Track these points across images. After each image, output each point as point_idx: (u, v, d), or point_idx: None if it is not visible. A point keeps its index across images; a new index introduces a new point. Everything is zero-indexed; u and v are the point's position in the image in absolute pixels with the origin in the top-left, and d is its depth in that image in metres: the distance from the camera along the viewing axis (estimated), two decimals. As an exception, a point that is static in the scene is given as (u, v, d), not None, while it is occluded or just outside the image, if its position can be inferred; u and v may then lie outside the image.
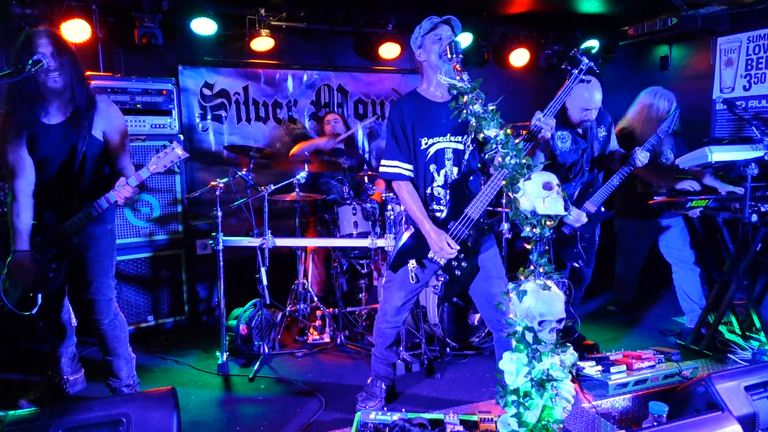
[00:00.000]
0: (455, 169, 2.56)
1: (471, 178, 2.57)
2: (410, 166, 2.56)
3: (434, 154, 2.55)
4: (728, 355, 3.45)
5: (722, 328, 3.70)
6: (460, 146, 2.55)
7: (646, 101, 3.69)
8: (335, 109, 5.01)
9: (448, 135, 2.54)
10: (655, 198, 3.72)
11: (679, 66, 4.88)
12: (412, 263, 2.58)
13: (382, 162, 2.59)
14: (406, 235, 2.62)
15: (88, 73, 2.81)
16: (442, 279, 2.58)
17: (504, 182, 2.04)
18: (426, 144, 2.54)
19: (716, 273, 3.70)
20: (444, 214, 2.56)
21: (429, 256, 2.56)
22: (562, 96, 2.68)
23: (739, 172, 3.25)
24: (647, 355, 3.11)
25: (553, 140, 3.33)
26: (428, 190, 2.58)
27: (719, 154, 3.13)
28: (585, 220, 3.24)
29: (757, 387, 2.62)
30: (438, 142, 2.54)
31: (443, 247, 2.47)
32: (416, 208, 2.53)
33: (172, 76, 4.28)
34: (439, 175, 2.57)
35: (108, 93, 3.73)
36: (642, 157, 3.19)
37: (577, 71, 2.67)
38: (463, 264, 2.53)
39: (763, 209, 3.25)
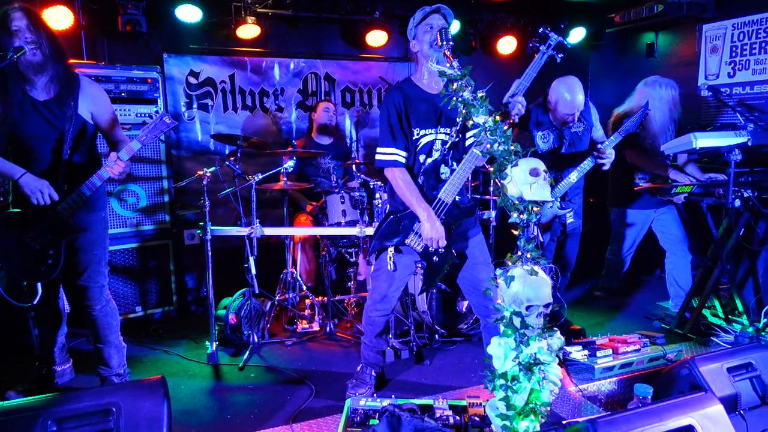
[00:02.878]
0: (437, 157, 2.59)
1: (446, 165, 2.58)
2: (405, 153, 2.56)
3: (425, 145, 2.56)
4: (711, 338, 3.52)
5: (706, 312, 3.76)
6: (448, 138, 2.58)
7: (647, 90, 3.70)
8: (323, 98, 4.98)
9: (439, 127, 2.56)
10: (639, 185, 3.76)
11: (665, 53, 4.91)
12: (390, 250, 2.59)
13: (378, 150, 2.56)
14: (384, 223, 2.63)
15: (71, 61, 2.77)
16: (421, 266, 2.59)
17: (491, 168, 2.05)
18: (418, 134, 2.55)
19: (700, 258, 3.76)
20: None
21: (407, 242, 2.57)
22: (530, 72, 2.59)
23: (723, 159, 3.29)
24: (632, 340, 3.16)
25: (535, 139, 3.34)
26: (418, 180, 2.59)
27: (704, 140, 3.17)
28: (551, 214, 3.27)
29: (739, 368, 2.68)
30: (429, 133, 2.56)
31: (440, 237, 2.47)
32: (412, 194, 2.52)
33: (157, 64, 4.22)
34: (425, 163, 2.58)
35: (91, 79, 3.67)
36: (607, 152, 3.24)
37: (545, 47, 2.63)
38: (441, 251, 2.54)
39: (746, 194, 3.30)
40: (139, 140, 2.53)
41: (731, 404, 2.56)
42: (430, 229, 2.47)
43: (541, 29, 2.67)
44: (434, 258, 2.55)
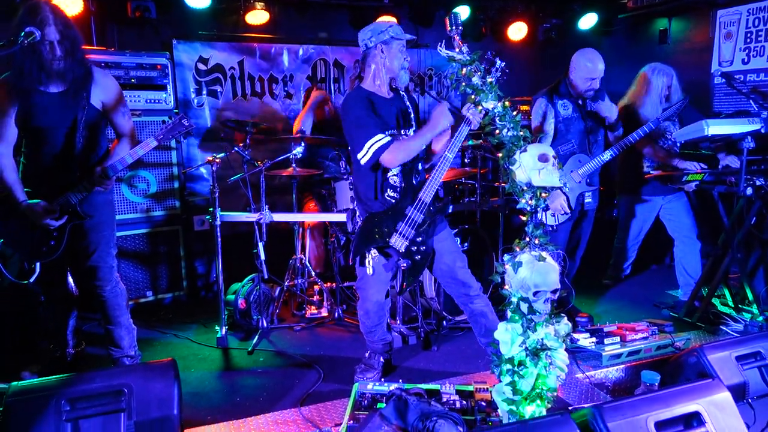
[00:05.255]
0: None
1: (417, 165, 2.68)
2: (387, 132, 2.58)
3: None
4: (720, 326, 3.50)
5: (715, 301, 3.74)
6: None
7: (646, 78, 3.68)
8: (331, 85, 4.97)
9: (401, 129, 2.66)
10: (651, 173, 3.73)
11: (679, 39, 4.83)
12: (373, 252, 2.59)
13: (366, 145, 2.51)
14: (362, 227, 2.64)
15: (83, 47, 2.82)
16: (405, 265, 2.60)
17: (500, 155, 2.05)
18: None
19: (711, 247, 3.73)
20: (398, 199, 2.61)
21: (390, 242, 2.57)
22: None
23: (736, 146, 3.26)
24: (641, 327, 3.16)
25: (555, 107, 3.36)
26: (385, 179, 2.63)
27: (716, 128, 3.13)
28: (561, 210, 3.30)
29: (748, 357, 2.66)
30: (394, 134, 2.61)
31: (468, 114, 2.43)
32: (411, 140, 2.56)
33: (166, 50, 4.23)
34: None
35: (102, 67, 3.67)
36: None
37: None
38: (422, 248, 2.59)
39: (758, 183, 3.26)
40: (156, 138, 2.67)
41: (739, 392, 2.55)
42: (445, 116, 2.48)
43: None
44: (417, 257, 2.59)
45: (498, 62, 2.47)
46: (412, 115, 2.75)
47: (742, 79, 4.18)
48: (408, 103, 2.76)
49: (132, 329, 2.96)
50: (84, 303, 3.16)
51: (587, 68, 3.29)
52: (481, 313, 2.74)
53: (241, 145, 3.52)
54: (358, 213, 2.80)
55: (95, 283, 2.77)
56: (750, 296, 3.64)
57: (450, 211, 3.75)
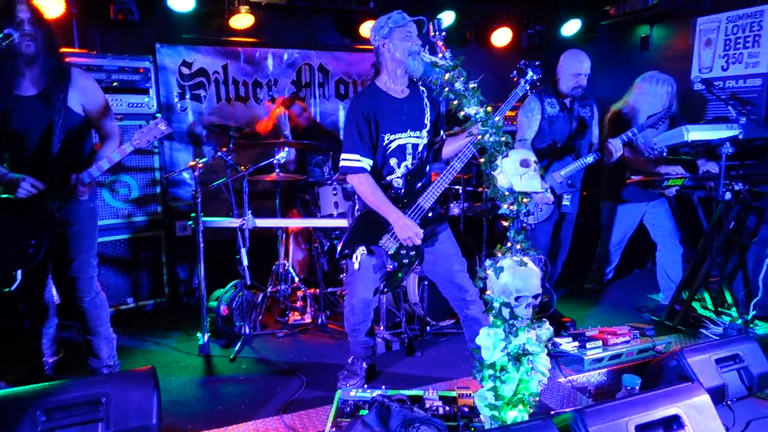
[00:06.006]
0: (415, 162, 2.64)
1: (425, 169, 2.65)
2: (370, 161, 2.57)
3: (396, 149, 2.60)
4: (701, 330, 3.54)
5: (695, 305, 3.79)
6: (418, 140, 2.64)
7: (644, 86, 3.70)
8: (316, 90, 4.96)
9: (408, 131, 2.61)
10: (632, 178, 3.77)
11: (660, 46, 4.90)
12: (361, 249, 2.59)
13: (343, 156, 2.57)
14: (355, 224, 2.64)
15: (62, 50, 2.77)
16: (390, 267, 2.59)
17: (482, 160, 2.05)
18: (389, 139, 2.58)
19: (691, 251, 3.77)
20: (396, 202, 2.59)
21: (380, 243, 2.58)
22: (506, 106, 2.70)
23: (715, 152, 3.30)
24: (622, 331, 3.18)
25: (542, 103, 3.40)
26: (388, 179, 2.62)
27: (695, 133, 3.18)
28: (543, 200, 3.34)
29: (727, 360, 2.71)
30: (399, 137, 2.59)
31: (417, 232, 2.50)
32: (380, 199, 2.54)
33: (149, 53, 4.18)
34: (399, 167, 2.62)
35: (84, 70, 3.64)
36: (614, 148, 3.31)
37: (523, 81, 2.74)
38: (411, 252, 2.58)
39: (736, 188, 3.31)
40: (132, 143, 2.57)
41: (719, 395, 2.58)
42: (404, 228, 2.50)
43: (522, 63, 2.76)
44: (404, 260, 2.58)
45: (530, 73, 2.56)
46: (427, 116, 2.64)
47: (722, 85, 4.24)
48: (427, 101, 2.65)
49: (112, 339, 2.90)
50: (64, 310, 3.11)
51: (574, 65, 3.35)
52: (475, 319, 2.72)
53: (224, 149, 3.50)
54: (357, 206, 2.74)
55: (75, 294, 2.71)
56: (729, 299, 3.69)
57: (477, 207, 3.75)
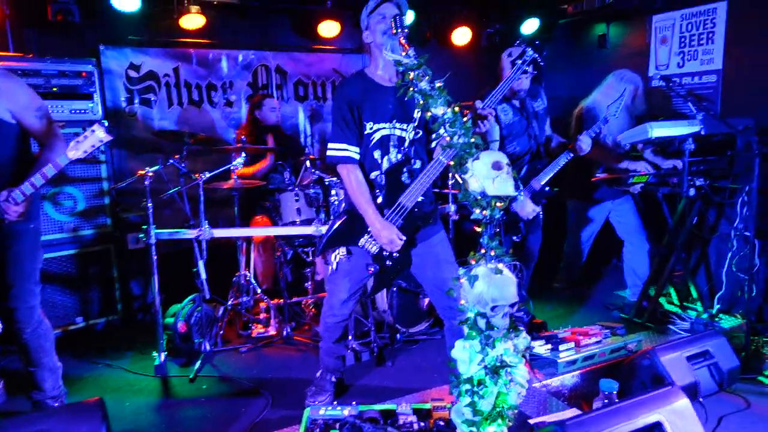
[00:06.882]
0: (399, 157, 2.46)
1: (409, 165, 2.47)
2: (357, 149, 2.43)
3: (379, 140, 2.45)
4: (668, 326, 3.56)
5: (662, 300, 3.81)
6: (404, 134, 2.47)
7: (612, 81, 3.70)
8: (274, 92, 4.79)
9: (393, 121, 2.45)
10: (598, 176, 3.76)
11: (617, 44, 4.95)
12: (340, 250, 2.48)
13: (329, 145, 2.45)
14: (338, 221, 2.51)
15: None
16: (372, 270, 2.47)
17: (452, 163, 1.95)
18: (371, 129, 2.43)
19: (656, 247, 3.80)
20: (380, 201, 2.45)
21: (360, 243, 2.45)
22: (503, 86, 2.63)
23: (676, 148, 3.32)
24: (594, 331, 3.16)
25: (497, 113, 3.31)
26: (371, 176, 2.47)
27: (659, 130, 3.18)
28: (534, 212, 3.26)
29: (698, 357, 2.73)
30: (383, 128, 2.44)
31: (393, 239, 2.37)
32: (362, 197, 2.41)
33: (92, 56, 3.94)
34: (383, 161, 2.46)
35: (19, 76, 3.37)
36: (584, 144, 3.24)
37: (520, 62, 2.66)
38: (395, 255, 2.44)
39: (698, 183, 3.34)
40: (67, 155, 2.32)
41: (691, 392, 2.58)
42: (381, 232, 2.37)
43: (517, 42, 2.73)
44: (387, 262, 2.45)
45: (529, 51, 2.44)
46: (417, 110, 2.45)
47: (679, 82, 4.30)
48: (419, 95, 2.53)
49: (57, 368, 2.65)
50: (4, 335, 2.85)
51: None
52: (461, 331, 2.62)
53: (177, 156, 3.30)
54: (344, 205, 2.63)
55: (15, 326, 2.45)
56: (694, 294, 3.73)
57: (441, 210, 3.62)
